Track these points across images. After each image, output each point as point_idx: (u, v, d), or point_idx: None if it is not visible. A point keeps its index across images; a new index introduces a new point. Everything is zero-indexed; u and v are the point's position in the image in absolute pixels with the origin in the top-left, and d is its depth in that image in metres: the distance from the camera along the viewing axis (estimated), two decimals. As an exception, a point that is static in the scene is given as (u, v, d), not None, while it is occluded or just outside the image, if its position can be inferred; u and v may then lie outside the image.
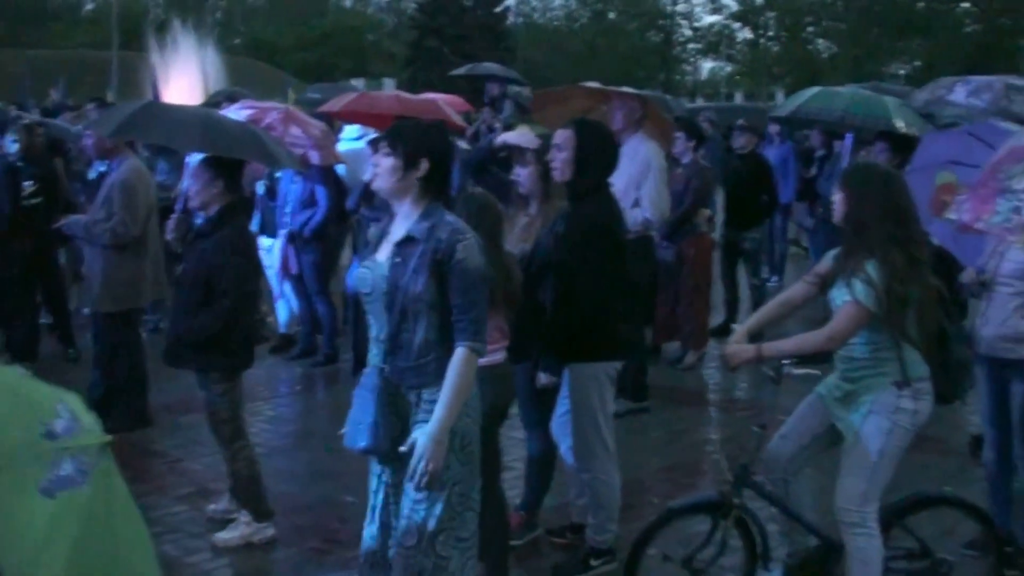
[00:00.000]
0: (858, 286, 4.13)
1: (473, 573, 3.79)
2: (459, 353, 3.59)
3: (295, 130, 8.09)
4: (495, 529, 4.47)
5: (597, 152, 5.01)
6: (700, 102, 33.35)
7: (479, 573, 4.13)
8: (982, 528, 4.68)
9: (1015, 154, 3.12)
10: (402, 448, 3.64)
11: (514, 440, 6.10)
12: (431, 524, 3.67)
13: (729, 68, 51.48)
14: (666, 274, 8.77)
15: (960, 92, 6.86)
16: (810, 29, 48.54)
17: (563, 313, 4.91)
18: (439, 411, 3.59)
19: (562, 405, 5.16)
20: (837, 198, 4.34)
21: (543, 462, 5.40)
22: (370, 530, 3.84)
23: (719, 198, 10.81)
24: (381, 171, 3.75)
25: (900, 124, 7.01)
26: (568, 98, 7.59)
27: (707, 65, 54.50)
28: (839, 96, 7.67)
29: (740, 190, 9.58)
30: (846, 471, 4.29)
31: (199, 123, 5.46)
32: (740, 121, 10.14)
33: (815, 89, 8.09)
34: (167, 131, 5.72)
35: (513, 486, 5.58)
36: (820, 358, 4.42)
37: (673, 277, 8.74)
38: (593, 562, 5.06)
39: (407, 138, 3.73)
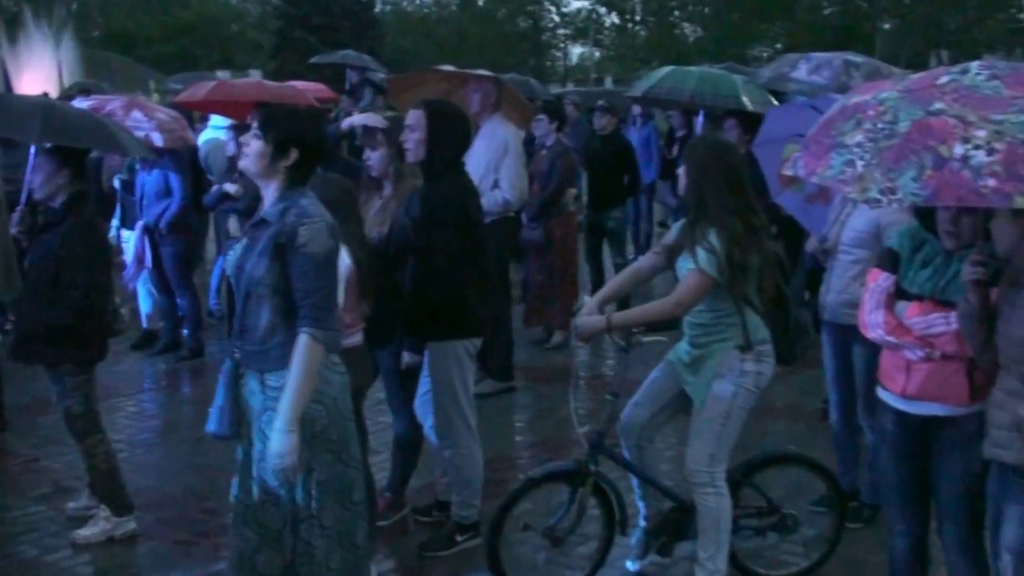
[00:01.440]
0: (701, 254, 4.27)
1: (342, 563, 3.78)
2: (300, 340, 3.54)
3: (136, 113, 7.87)
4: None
5: (449, 131, 5.05)
6: (570, 87, 33.67)
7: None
8: (827, 485, 4.86)
9: (846, 111, 3.27)
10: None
11: (383, 424, 6.12)
12: (290, 510, 3.69)
13: (598, 53, 51.97)
14: (534, 254, 8.90)
15: (802, 69, 7.10)
16: (676, 13, 49.31)
17: (421, 292, 4.95)
18: (284, 402, 3.54)
19: (424, 384, 5.20)
20: (680, 172, 4.48)
21: (408, 442, 5.44)
22: (233, 490, 3.82)
23: (583, 179, 10.98)
24: (249, 153, 3.71)
25: (747, 101, 7.22)
26: (424, 82, 7.62)
27: (576, 50, 54.98)
28: (689, 75, 7.86)
29: (602, 171, 9.72)
30: (695, 434, 4.43)
31: (39, 112, 5.33)
32: (601, 102, 10.28)
33: (667, 69, 8.27)
34: (6, 122, 5.58)
35: (382, 469, 5.61)
36: (667, 325, 4.56)
37: (541, 257, 8.86)
38: (458, 538, 5.12)
39: (279, 125, 3.68)
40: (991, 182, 2.81)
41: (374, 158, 5.39)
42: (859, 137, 3.10)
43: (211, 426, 3.72)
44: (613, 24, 50.84)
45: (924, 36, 41.27)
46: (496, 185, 7.25)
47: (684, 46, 45.30)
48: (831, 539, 4.85)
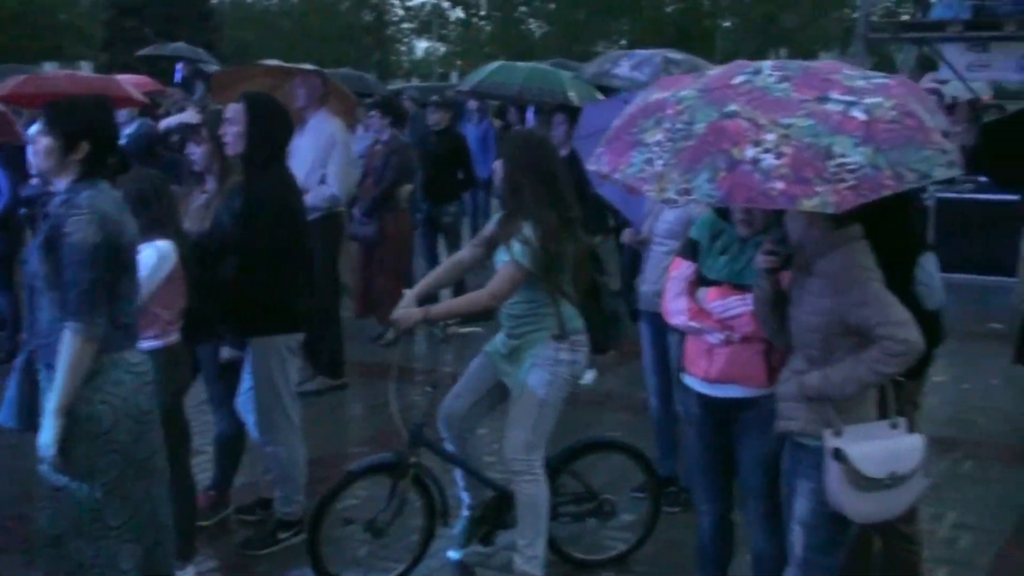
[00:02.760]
0: (516, 246, 4.35)
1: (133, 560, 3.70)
2: (63, 333, 3.47)
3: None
4: (182, 511, 4.42)
5: (269, 124, 5.02)
6: (415, 82, 33.58)
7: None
8: (644, 471, 4.99)
9: (648, 109, 3.36)
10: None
11: (208, 423, 6.01)
12: (70, 514, 3.60)
13: (443, 48, 51.94)
14: (367, 250, 8.86)
15: (624, 66, 7.27)
16: (522, 9, 49.64)
17: (242, 287, 4.90)
18: (51, 394, 3.49)
19: (247, 381, 5.15)
20: (496, 165, 4.55)
21: (231, 440, 5.39)
22: None
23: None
24: (39, 150, 3.63)
25: (574, 96, 7.35)
26: (249, 77, 7.52)
27: (422, 45, 54.81)
28: (517, 70, 7.96)
29: (436, 166, 9.75)
30: (512, 423, 4.50)
31: None
32: (435, 98, 10.30)
33: (496, 64, 8.35)
34: None
35: (207, 469, 5.53)
36: (483, 316, 4.62)
37: (373, 253, 8.83)
38: (281, 535, 5.09)
39: (66, 119, 3.60)
40: (779, 184, 2.92)
41: (197, 153, 5.31)
42: (659, 136, 3.19)
43: (1, 417, 3.65)
44: (458, 19, 50.87)
45: (763, 34, 42.49)
46: (323, 180, 7.20)
47: (530, 42, 45.65)
48: (648, 524, 4.98)
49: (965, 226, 11.48)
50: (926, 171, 3.00)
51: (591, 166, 3.53)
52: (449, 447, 4.71)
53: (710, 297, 3.82)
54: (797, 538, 3.59)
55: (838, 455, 3.36)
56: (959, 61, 13.98)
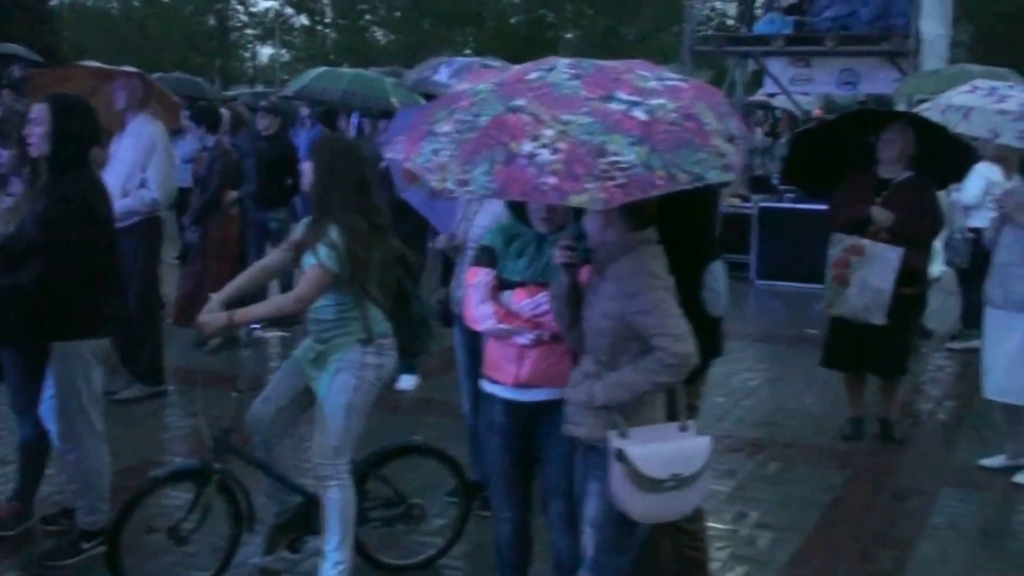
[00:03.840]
0: (322, 250, 4.34)
1: None
2: None
3: None
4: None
5: (74, 125, 4.89)
6: (260, 88, 33.09)
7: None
8: (454, 475, 5.02)
9: (446, 100, 3.39)
10: None
11: (13, 432, 5.82)
12: None
13: (287, 55, 51.30)
14: (192, 256, 8.71)
15: (444, 72, 7.34)
16: (367, 17, 49.43)
17: (44, 291, 4.75)
18: None
19: (51, 388, 5.00)
20: (306, 168, 4.53)
21: (34, 448, 5.22)
22: None
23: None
24: None
25: (396, 102, 7.38)
26: (69, 78, 7.34)
27: (267, 51, 54.03)
28: (342, 76, 7.95)
29: (265, 171, 9.64)
30: (319, 427, 4.48)
31: None
32: (263, 103, 10.20)
33: (320, 69, 8.33)
34: None
35: (11, 479, 5.36)
36: (290, 320, 4.59)
37: (197, 259, 8.68)
38: (84, 545, 4.94)
39: None
40: (551, 180, 2.96)
41: (5, 155, 5.16)
42: (447, 127, 3.21)
43: None
44: (303, 25, 50.36)
45: (604, 46, 43.25)
46: (144, 184, 7.06)
47: (375, 50, 45.49)
48: (457, 527, 5.01)
49: (786, 235, 11.92)
50: (700, 173, 3.07)
51: (388, 152, 3.55)
52: (257, 451, 4.67)
53: (517, 298, 3.85)
54: (588, 539, 3.65)
55: (620, 456, 3.42)
56: (783, 75, 14.53)
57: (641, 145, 3.02)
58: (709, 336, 4.07)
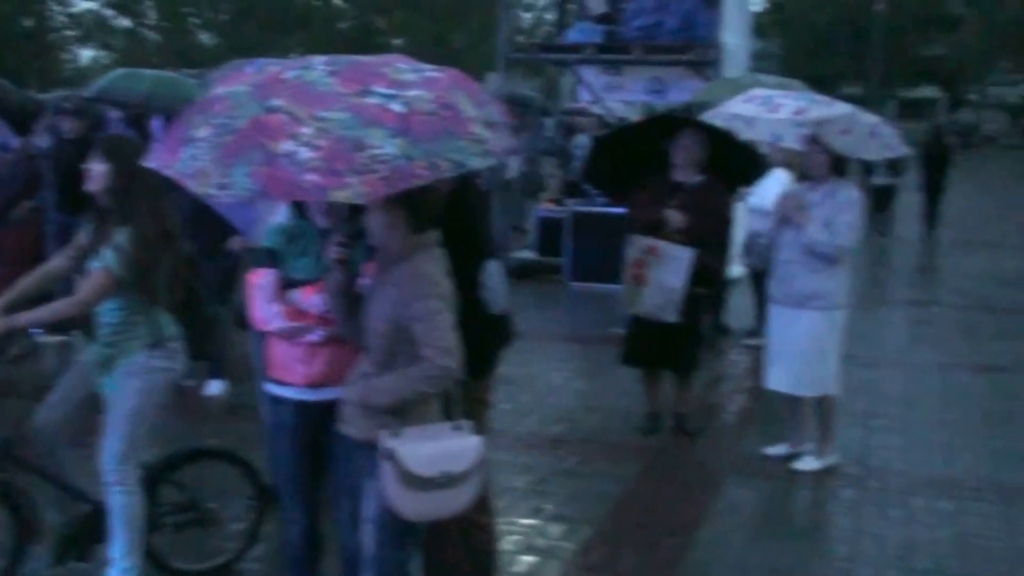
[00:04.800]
0: (108, 253, 4.30)
1: None
2: None
3: None
4: None
5: None
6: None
7: None
8: (249, 479, 5.01)
9: (200, 106, 3.40)
10: None
11: None
12: None
13: (109, 57, 49.78)
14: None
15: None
16: (193, 20, 48.42)
17: None
18: None
19: None
20: (95, 169, 4.48)
21: None
22: None
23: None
24: None
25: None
26: None
27: (88, 53, 52.30)
28: (144, 78, 7.83)
29: (68, 176, 9.37)
30: (106, 432, 4.43)
31: None
32: (66, 105, 9.89)
33: (122, 70, 8.18)
34: None
35: None
36: (76, 324, 4.52)
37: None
38: None
39: None
40: (312, 177, 3.00)
41: None
42: (205, 132, 3.22)
43: None
44: (125, 28, 48.96)
45: (433, 53, 43.45)
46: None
47: (200, 53, 44.59)
48: (252, 531, 5.01)
49: (598, 238, 12.21)
50: (461, 160, 3.17)
51: (148, 162, 3.52)
52: (42, 459, 4.58)
53: (306, 295, 3.86)
54: (368, 536, 3.71)
55: (390, 455, 3.49)
56: (596, 83, 14.89)
57: (400, 137, 3.09)
58: (494, 331, 4.21)
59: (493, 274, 4.13)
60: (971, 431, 7.34)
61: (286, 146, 3.07)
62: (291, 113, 3.15)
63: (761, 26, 52.46)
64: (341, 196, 3.03)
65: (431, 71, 3.46)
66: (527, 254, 13.65)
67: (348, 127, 3.09)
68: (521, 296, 12.08)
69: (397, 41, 47.97)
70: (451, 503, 3.68)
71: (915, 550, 5.37)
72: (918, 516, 5.81)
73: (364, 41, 45.26)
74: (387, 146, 3.06)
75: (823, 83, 46.34)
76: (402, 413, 3.56)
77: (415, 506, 3.59)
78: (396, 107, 3.17)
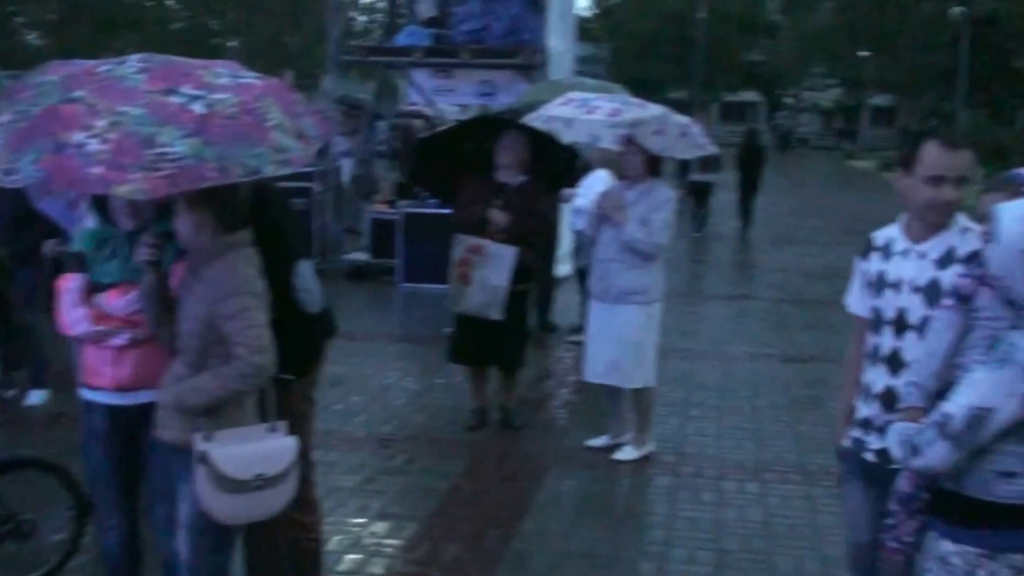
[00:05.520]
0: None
1: None
2: None
3: None
4: None
5: None
6: None
7: None
8: (68, 488, 4.92)
9: (8, 91, 3.37)
10: None
11: None
12: None
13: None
14: None
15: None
16: (19, 19, 46.53)
17: None
18: None
19: None
20: None
21: None
22: None
23: None
24: None
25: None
26: None
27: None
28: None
29: None
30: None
31: None
32: None
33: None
34: None
35: None
36: None
37: None
38: None
39: None
40: (97, 169, 3.01)
41: None
42: (6, 118, 3.20)
43: None
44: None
45: (268, 55, 42.80)
46: None
47: (28, 53, 42.86)
48: (72, 541, 4.90)
49: (429, 239, 12.30)
50: (256, 167, 3.20)
51: None
52: None
53: (111, 298, 3.84)
54: (183, 541, 3.71)
55: (203, 459, 3.50)
56: (427, 86, 15.00)
57: (193, 137, 3.11)
58: (313, 329, 4.25)
59: (305, 274, 4.16)
60: (779, 418, 7.73)
61: (77, 137, 3.07)
62: (90, 105, 3.14)
63: (589, 31, 53.66)
64: (122, 191, 3.03)
65: (250, 78, 3.49)
66: (361, 256, 13.68)
67: (141, 123, 3.10)
68: (354, 297, 12.19)
69: (232, 43, 47.09)
70: (267, 505, 3.69)
71: (725, 531, 5.65)
72: (728, 499, 6.11)
73: (198, 43, 44.30)
74: (177, 145, 3.08)
75: (649, 87, 47.64)
76: (215, 415, 3.57)
77: (230, 509, 3.60)
78: (196, 108, 3.19)
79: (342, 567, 5.10)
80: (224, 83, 3.36)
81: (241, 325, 3.50)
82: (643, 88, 39.75)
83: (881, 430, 3.46)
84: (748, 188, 20.28)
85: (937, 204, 3.40)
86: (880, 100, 60.64)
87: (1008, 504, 2.95)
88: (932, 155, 3.37)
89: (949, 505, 3.06)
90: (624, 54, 56.27)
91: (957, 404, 2.92)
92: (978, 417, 2.86)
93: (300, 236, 4.39)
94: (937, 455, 2.95)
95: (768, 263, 16.39)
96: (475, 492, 6.17)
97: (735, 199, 20.43)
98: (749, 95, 67.24)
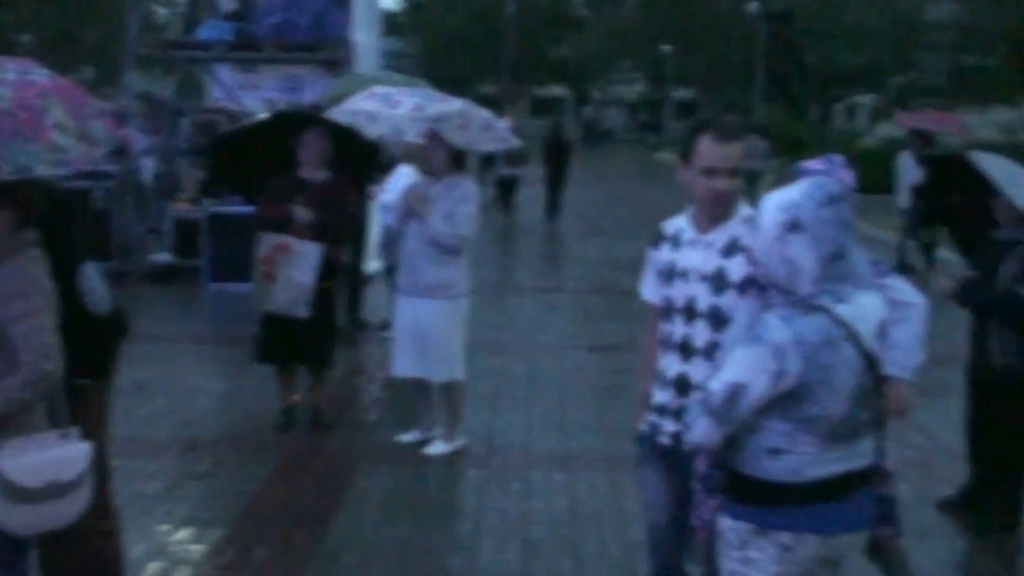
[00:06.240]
0: None
1: None
2: None
3: None
4: None
5: None
6: None
7: None
8: None
9: None
10: None
11: None
12: None
13: None
14: None
15: None
16: None
17: None
18: None
19: None
20: None
21: None
22: None
23: None
24: None
25: None
26: None
27: None
28: None
29: None
30: None
31: None
32: None
33: None
34: None
35: None
36: None
37: None
38: None
39: None
40: None
41: None
42: None
43: None
44: None
45: (62, 50, 41.12)
46: None
47: None
48: None
49: (236, 238, 12.05)
50: (27, 164, 3.14)
51: None
52: None
53: None
54: None
55: (-10, 469, 3.37)
56: (231, 81, 14.69)
57: None
58: (104, 331, 4.13)
59: (91, 276, 4.05)
60: (585, 407, 7.90)
61: None
62: None
63: (399, 26, 53.61)
64: None
65: (39, 76, 3.39)
66: (164, 257, 13.28)
67: None
68: (159, 300, 11.88)
69: (25, 37, 44.98)
70: (61, 513, 3.58)
71: (532, 521, 5.75)
72: (536, 489, 6.21)
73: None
74: None
75: (459, 82, 47.93)
76: (2, 424, 3.44)
77: (22, 519, 3.48)
78: None
79: (145, 575, 4.97)
80: (9, 79, 3.27)
81: (28, 330, 3.38)
82: (453, 83, 40.00)
83: (676, 414, 3.60)
84: (554, 181, 20.67)
85: (711, 195, 3.56)
86: (683, 94, 62.71)
87: (777, 481, 3.11)
88: (705, 148, 3.52)
89: (733, 483, 3.21)
90: (434, 49, 56.47)
91: (718, 380, 3.08)
92: (734, 393, 3.03)
93: (85, 237, 4.26)
94: (702, 431, 3.12)
95: (576, 255, 16.72)
96: (284, 493, 6.09)
97: (542, 192, 20.77)
98: (558, 89, 68.40)
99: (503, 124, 7.44)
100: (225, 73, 14.69)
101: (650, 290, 3.82)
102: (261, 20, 13.60)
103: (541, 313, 11.78)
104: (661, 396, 3.73)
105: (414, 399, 7.04)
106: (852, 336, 3.03)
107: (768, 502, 3.14)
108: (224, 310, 11.51)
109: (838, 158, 3.21)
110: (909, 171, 13.64)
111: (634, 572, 5.02)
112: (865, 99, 54.86)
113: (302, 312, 6.88)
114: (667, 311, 3.70)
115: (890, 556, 3.46)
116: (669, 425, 3.67)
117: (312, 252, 6.86)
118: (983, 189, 5.53)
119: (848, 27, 48.44)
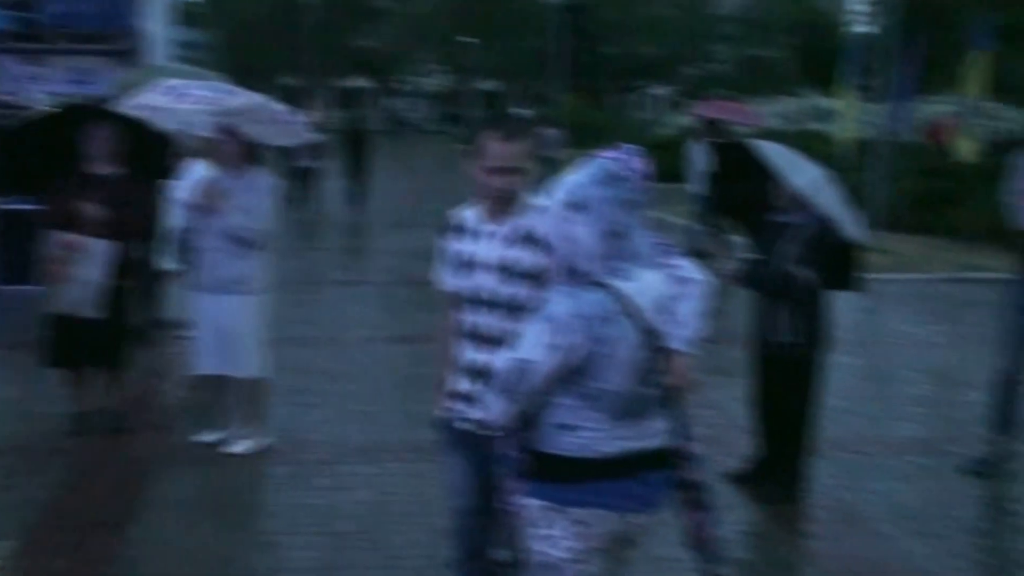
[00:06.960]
0: None
1: None
2: None
3: None
4: None
5: None
6: None
7: None
8: None
9: None
10: None
11: None
12: None
13: None
14: None
15: None
16: None
17: None
18: None
19: None
20: None
21: None
22: None
23: None
24: None
25: None
26: None
27: None
28: None
29: None
30: None
31: None
32: None
33: None
34: None
35: None
36: None
37: None
38: None
39: None
40: None
41: None
42: None
43: None
44: None
45: None
46: None
47: None
48: None
49: (30, 237, 11.52)
50: None
51: None
52: None
53: None
54: None
55: None
56: (16, 73, 14.04)
57: None
58: None
59: None
60: (390, 397, 7.92)
61: None
62: None
63: (196, 16, 52.17)
64: None
65: None
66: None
67: None
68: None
69: None
70: None
71: (340, 514, 5.73)
72: (343, 482, 6.19)
73: None
74: None
75: (260, 74, 47.03)
76: None
77: None
78: None
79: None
80: None
81: None
82: (253, 76, 39.16)
83: (471, 400, 3.67)
84: (355, 173, 20.58)
85: (494, 192, 3.67)
86: (489, 85, 63.11)
87: (568, 456, 3.22)
88: (490, 146, 3.62)
89: (530, 461, 3.30)
90: (235, 40, 55.24)
91: (507, 358, 3.17)
92: (521, 369, 3.13)
93: None
94: (496, 408, 3.21)
95: (381, 247, 16.67)
96: (79, 501, 5.89)
97: (345, 185, 20.62)
98: (362, 81, 67.89)
99: (298, 118, 7.36)
100: (9, 64, 14.04)
101: (444, 278, 3.87)
102: (45, 9, 13.03)
103: (346, 305, 11.71)
104: (458, 383, 3.79)
105: (215, 398, 6.90)
106: (632, 311, 3.15)
107: (562, 478, 3.23)
108: (15, 313, 10.98)
109: (632, 147, 3.32)
110: (699, 159, 14.14)
111: (442, 560, 5.07)
112: (660, 90, 56.57)
113: (91, 312, 6.67)
114: (460, 300, 3.77)
115: (705, 545, 3.46)
116: (466, 411, 3.74)
117: (101, 250, 6.65)
118: (765, 175, 5.83)
119: (643, 18, 49.84)
